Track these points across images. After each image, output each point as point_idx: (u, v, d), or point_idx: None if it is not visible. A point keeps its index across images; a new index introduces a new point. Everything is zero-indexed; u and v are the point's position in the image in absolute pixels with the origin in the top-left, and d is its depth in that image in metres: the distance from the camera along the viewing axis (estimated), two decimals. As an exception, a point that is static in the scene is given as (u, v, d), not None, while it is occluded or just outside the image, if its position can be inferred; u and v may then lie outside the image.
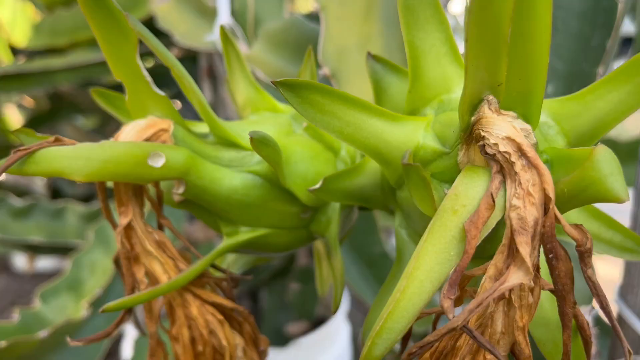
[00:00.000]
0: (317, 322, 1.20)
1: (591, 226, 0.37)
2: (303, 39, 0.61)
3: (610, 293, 0.51)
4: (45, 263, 1.91)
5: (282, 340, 1.14)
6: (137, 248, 0.36)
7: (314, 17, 0.78)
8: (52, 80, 1.11)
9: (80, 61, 1.09)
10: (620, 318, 0.49)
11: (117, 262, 0.38)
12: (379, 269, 0.76)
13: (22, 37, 1.19)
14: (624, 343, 0.24)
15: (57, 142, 0.32)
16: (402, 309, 0.24)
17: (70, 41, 1.12)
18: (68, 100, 1.27)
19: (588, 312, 0.49)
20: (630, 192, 0.58)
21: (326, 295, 0.45)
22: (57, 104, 1.31)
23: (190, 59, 1.19)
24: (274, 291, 1.19)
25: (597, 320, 0.61)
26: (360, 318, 1.41)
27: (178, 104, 1.27)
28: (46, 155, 0.31)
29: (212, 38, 0.68)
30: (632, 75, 0.29)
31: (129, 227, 0.35)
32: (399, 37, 0.49)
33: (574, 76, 0.54)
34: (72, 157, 0.31)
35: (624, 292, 0.49)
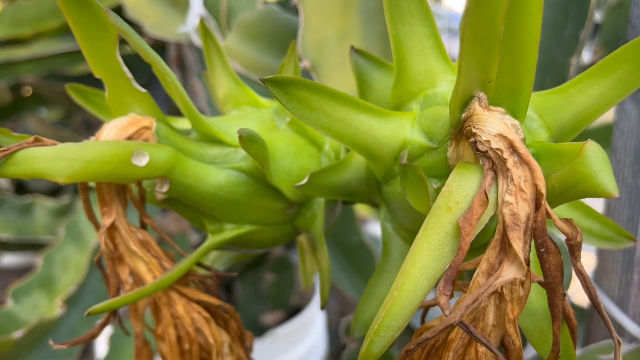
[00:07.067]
0: (292, 311, 1.20)
1: (571, 215, 0.38)
2: (279, 29, 0.60)
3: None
4: (12, 258, 1.86)
5: (257, 330, 1.14)
6: (121, 248, 0.35)
7: (287, 5, 0.78)
8: (15, 71, 1.07)
9: (45, 52, 1.06)
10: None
11: (99, 262, 0.38)
12: (357, 258, 0.76)
13: (-19, 27, 1.14)
14: (614, 334, 0.25)
15: (37, 142, 0.31)
16: (400, 306, 0.24)
17: (33, 31, 1.08)
18: (32, 91, 1.23)
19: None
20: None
21: (309, 290, 0.45)
22: (20, 96, 1.27)
23: (158, 48, 1.17)
24: (248, 282, 1.18)
25: (572, 307, 0.63)
26: (334, 306, 1.42)
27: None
28: (27, 156, 0.30)
29: (185, 30, 0.66)
30: (613, 70, 0.30)
31: (112, 228, 0.35)
32: (378, 29, 0.49)
33: (547, 66, 0.55)
34: (54, 157, 0.30)
35: (598, 277, 0.51)
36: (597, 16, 0.91)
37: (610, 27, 0.89)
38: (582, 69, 0.77)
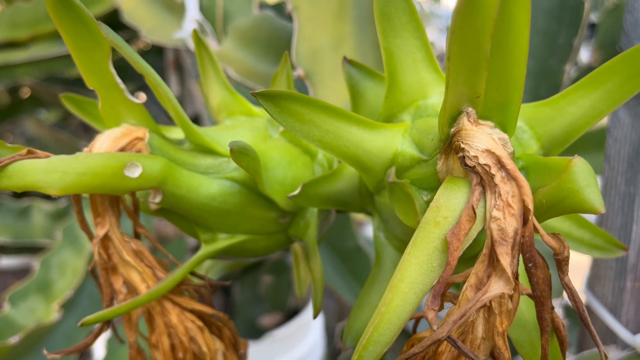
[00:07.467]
0: (290, 313, 1.20)
1: (562, 225, 0.38)
2: (274, 35, 0.60)
3: (579, 279, 0.52)
4: (9, 260, 1.86)
5: (256, 333, 1.14)
6: (115, 258, 0.36)
7: (283, 11, 0.78)
8: (12, 74, 1.07)
9: (42, 55, 1.06)
10: (589, 309, 0.50)
11: (93, 272, 0.38)
12: (353, 262, 0.76)
13: (-21, 30, 1.14)
14: (600, 348, 0.25)
15: (30, 154, 0.32)
16: (388, 321, 0.24)
17: (31, 34, 1.08)
18: (30, 93, 1.24)
19: (558, 303, 0.51)
20: (598, 180, 0.60)
21: (304, 297, 0.45)
22: (18, 98, 1.27)
23: (156, 51, 1.17)
24: (246, 284, 1.19)
25: (567, 311, 0.63)
26: (332, 307, 1.42)
27: (143, 97, 1.25)
28: (19, 169, 0.30)
29: (181, 35, 0.66)
30: (602, 82, 0.30)
31: (105, 238, 0.35)
32: (372, 37, 0.49)
33: (541, 73, 0.55)
34: (46, 170, 0.30)
35: (592, 284, 0.51)
36: (594, 17, 0.92)
37: (606, 30, 0.89)
38: (581, 69, 0.77)
